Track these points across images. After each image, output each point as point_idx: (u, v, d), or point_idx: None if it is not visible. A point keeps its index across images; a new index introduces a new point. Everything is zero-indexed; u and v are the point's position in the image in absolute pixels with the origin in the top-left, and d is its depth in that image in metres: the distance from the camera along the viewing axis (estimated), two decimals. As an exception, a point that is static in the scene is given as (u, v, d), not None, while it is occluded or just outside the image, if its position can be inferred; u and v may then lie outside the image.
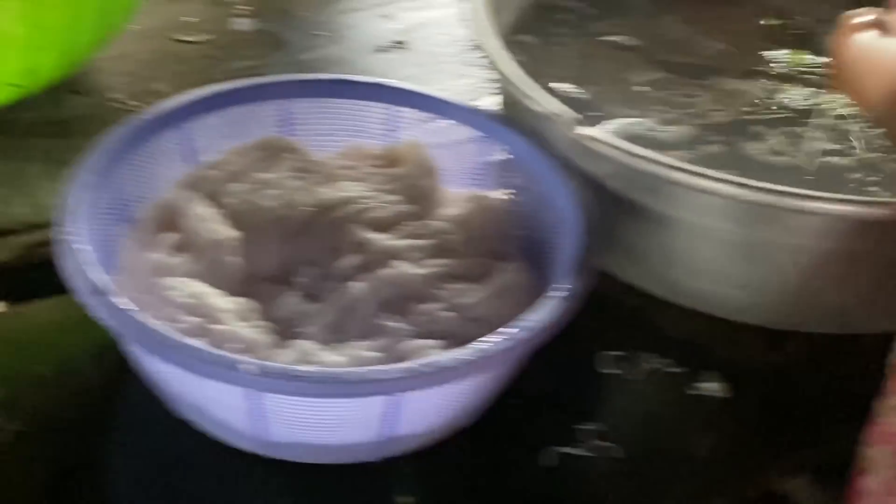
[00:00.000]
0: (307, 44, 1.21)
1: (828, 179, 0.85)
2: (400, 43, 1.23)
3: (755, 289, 0.83)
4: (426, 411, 0.70)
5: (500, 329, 0.77)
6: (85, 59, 1.04)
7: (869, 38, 0.71)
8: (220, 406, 0.68)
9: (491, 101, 1.12)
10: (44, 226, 0.92)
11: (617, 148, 0.77)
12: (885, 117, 0.68)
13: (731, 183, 0.75)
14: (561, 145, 0.82)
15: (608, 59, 1.02)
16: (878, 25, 0.72)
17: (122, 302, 0.67)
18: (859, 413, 0.82)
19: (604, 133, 0.79)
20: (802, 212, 0.74)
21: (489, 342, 0.67)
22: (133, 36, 1.17)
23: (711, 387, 0.84)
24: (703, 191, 0.75)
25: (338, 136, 0.92)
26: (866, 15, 0.73)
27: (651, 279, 0.86)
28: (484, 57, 0.92)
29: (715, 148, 0.90)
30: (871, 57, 0.70)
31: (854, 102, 0.73)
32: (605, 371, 0.84)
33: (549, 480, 0.76)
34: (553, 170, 0.82)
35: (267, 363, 0.64)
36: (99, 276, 0.69)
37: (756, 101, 0.98)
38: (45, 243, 0.90)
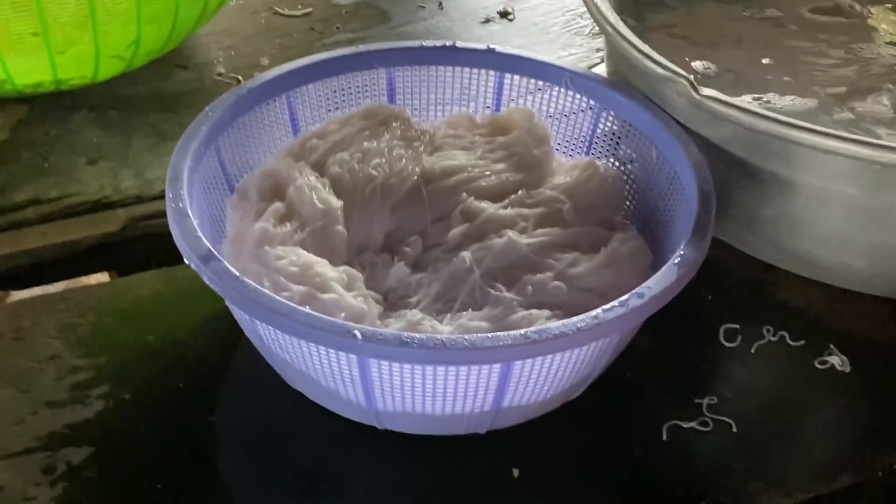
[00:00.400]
0: (410, 16, 1.20)
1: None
2: (505, 14, 1.20)
3: (880, 257, 0.78)
4: (538, 380, 0.68)
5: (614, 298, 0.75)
6: (188, 32, 1.04)
7: None
8: (330, 374, 0.67)
9: (598, 71, 1.11)
10: (149, 198, 0.94)
11: (740, 108, 0.74)
12: None
13: (857, 142, 0.71)
14: (678, 109, 0.79)
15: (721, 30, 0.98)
16: None
17: (232, 270, 0.66)
18: None
19: (724, 95, 0.75)
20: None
21: (603, 310, 0.64)
22: (235, 10, 1.17)
23: (833, 360, 0.80)
24: (828, 151, 0.71)
25: (443, 104, 0.90)
26: None
27: (771, 249, 0.82)
28: (595, 25, 0.89)
29: (841, 114, 0.86)
30: None
31: None
32: (723, 343, 0.81)
33: (662, 454, 0.74)
34: (670, 135, 0.79)
35: (380, 329, 0.62)
36: (207, 244, 0.68)
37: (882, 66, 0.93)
38: (151, 216, 0.92)
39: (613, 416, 0.76)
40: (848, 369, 0.80)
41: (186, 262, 0.68)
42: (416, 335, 0.62)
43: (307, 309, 0.65)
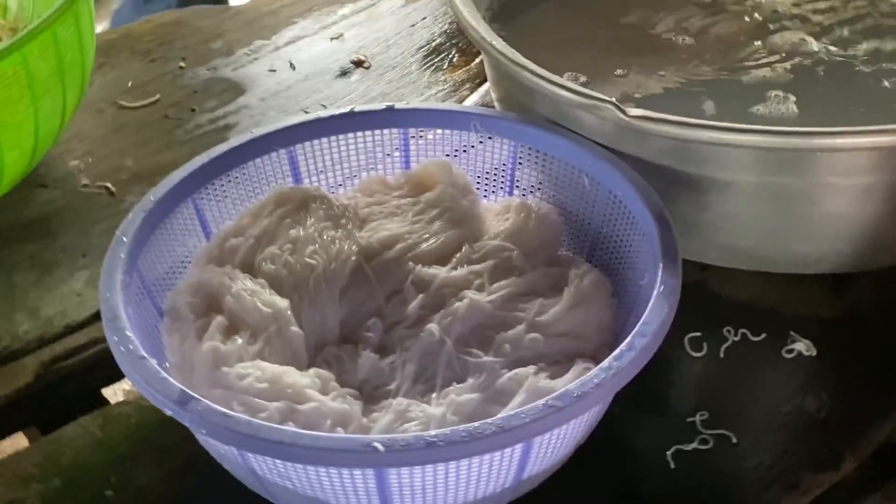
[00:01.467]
0: (265, 82, 1.14)
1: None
2: (360, 63, 1.17)
3: (821, 238, 0.80)
4: (559, 444, 0.65)
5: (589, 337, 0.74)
6: (48, 149, 0.96)
7: None
8: (342, 492, 0.62)
9: (474, 101, 1.09)
10: (53, 339, 0.85)
11: (672, 122, 0.73)
12: None
13: (790, 134, 0.72)
14: (602, 132, 0.78)
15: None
16: None
17: (217, 407, 0.60)
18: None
19: (650, 112, 0.74)
20: (833, 150, 0.72)
21: (615, 359, 0.62)
22: (80, 112, 1.09)
23: (798, 347, 0.81)
24: (769, 148, 0.72)
25: (350, 172, 0.86)
26: None
27: (712, 250, 0.82)
28: (485, 56, 0.87)
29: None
30: None
31: None
32: (692, 354, 0.81)
33: (672, 481, 0.72)
34: (600, 160, 0.77)
35: (399, 436, 0.58)
36: (178, 384, 0.62)
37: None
38: (63, 356, 0.84)
39: (616, 456, 0.74)
40: (814, 352, 0.81)
41: (160, 408, 0.62)
42: (440, 433, 0.58)
43: (310, 432, 0.60)
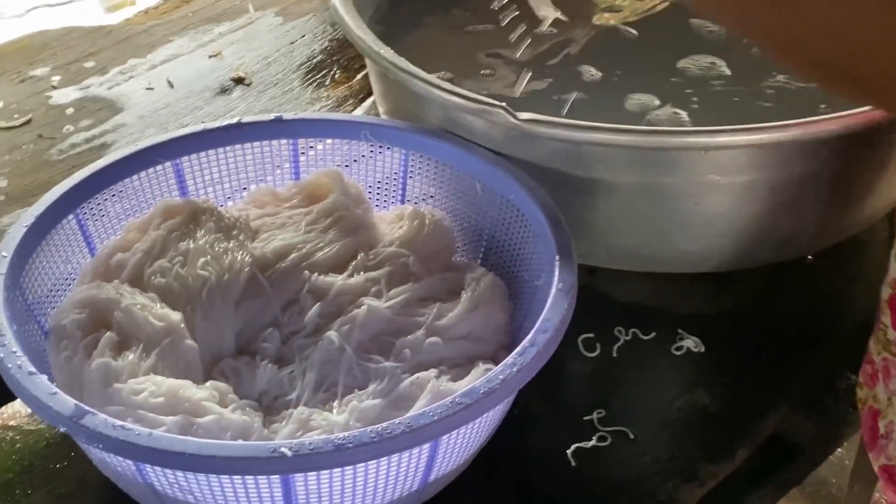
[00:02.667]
0: (142, 100, 1.12)
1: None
2: (240, 80, 1.15)
3: (707, 237, 0.82)
4: (464, 444, 0.65)
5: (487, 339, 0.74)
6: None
7: None
8: (246, 501, 0.60)
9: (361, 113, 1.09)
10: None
11: (562, 125, 0.75)
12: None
13: (679, 133, 0.74)
14: (492, 136, 0.79)
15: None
16: None
17: (113, 420, 0.58)
18: (819, 339, 0.84)
19: (540, 115, 0.75)
20: (713, 147, 0.74)
21: (518, 355, 0.63)
22: (-53, 133, 1.05)
23: (687, 344, 0.83)
24: (659, 148, 0.74)
25: (238, 184, 0.85)
26: None
27: (601, 252, 0.84)
28: (373, 65, 0.87)
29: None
30: None
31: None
32: (585, 354, 0.82)
33: (573, 479, 0.73)
34: (491, 166, 0.78)
35: (306, 440, 0.57)
36: (71, 399, 0.59)
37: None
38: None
39: (517, 457, 0.74)
40: (702, 349, 0.83)
41: (54, 425, 0.59)
42: (348, 435, 0.57)
43: (213, 441, 0.58)
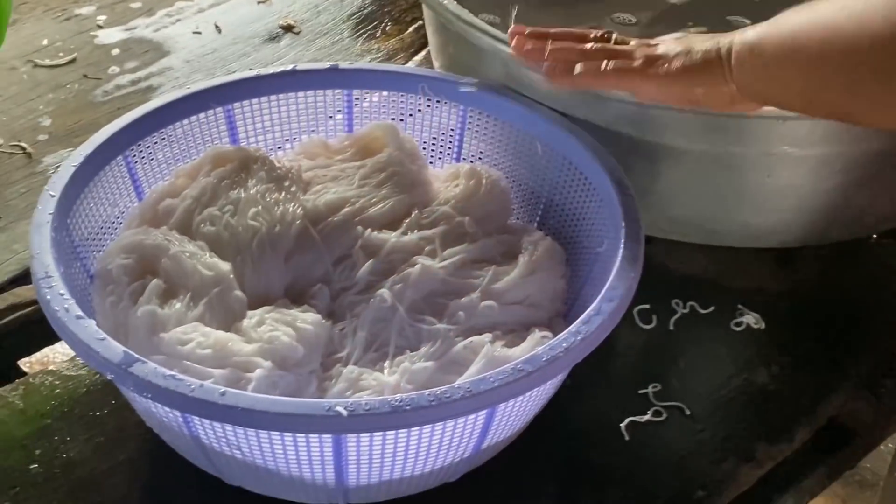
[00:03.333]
0: (189, 44, 1.09)
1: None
2: (289, 28, 1.12)
3: (773, 211, 0.79)
4: (520, 413, 0.63)
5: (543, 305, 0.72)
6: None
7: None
8: (295, 460, 0.58)
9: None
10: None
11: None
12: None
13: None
14: (556, 97, 0.76)
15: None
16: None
17: (163, 369, 0.56)
18: (881, 321, 0.81)
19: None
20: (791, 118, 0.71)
21: (582, 323, 0.60)
22: (-9, 70, 1.02)
23: (747, 320, 0.80)
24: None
25: (290, 134, 0.82)
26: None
27: (663, 221, 0.81)
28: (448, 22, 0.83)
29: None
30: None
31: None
32: (641, 326, 0.79)
33: (627, 453, 0.71)
34: (554, 126, 0.75)
35: (363, 400, 0.54)
36: (120, 345, 0.57)
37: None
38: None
39: (570, 429, 0.72)
40: (763, 326, 0.80)
41: (101, 372, 0.57)
42: (405, 397, 0.55)
43: (265, 395, 0.56)
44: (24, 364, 0.80)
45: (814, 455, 0.74)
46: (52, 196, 0.67)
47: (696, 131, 0.74)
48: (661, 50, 0.70)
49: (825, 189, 0.77)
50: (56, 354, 0.86)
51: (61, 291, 0.60)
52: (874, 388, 0.79)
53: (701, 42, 0.68)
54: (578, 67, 0.71)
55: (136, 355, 0.57)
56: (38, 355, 0.83)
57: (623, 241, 0.66)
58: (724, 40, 0.67)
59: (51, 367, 0.75)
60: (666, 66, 0.69)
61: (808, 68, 0.62)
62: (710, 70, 0.67)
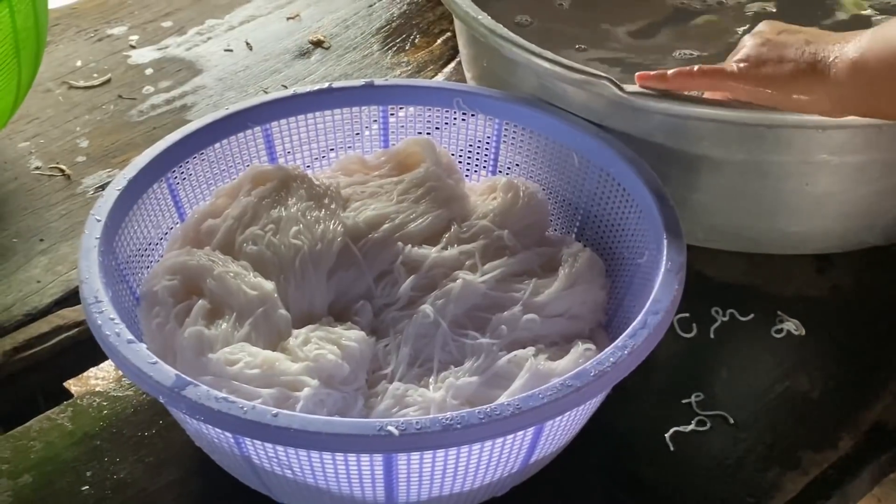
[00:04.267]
0: (221, 62, 1.10)
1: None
2: (319, 43, 1.13)
3: (812, 218, 0.79)
4: (567, 427, 0.63)
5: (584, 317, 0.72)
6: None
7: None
8: (346, 479, 0.59)
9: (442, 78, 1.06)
10: (13, 327, 0.81)
11: (672, 98, 0.72)
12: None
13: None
14: (594, 109, 0.76)
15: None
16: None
17: (215, 392, 0.57)
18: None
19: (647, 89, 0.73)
20: (828, 126, 0.72)
21: (628, 337, 0.60)
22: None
23: (787, 327, 0.80)
24: (771, 126, 0.71)
25: (327, 151, 0.83)
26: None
27: (699, 231, 0.81)
28: (478, 34, 0.83)
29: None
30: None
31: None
32: (682, 335, 0.79)
33: (672, 464, 0.71)
34: (591, 137, 0.76)
35: (411, 419, 0.55)
36: (171, 368, 0.58)
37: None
38: (24, 347, 0.79)
39: (614, 440, 0.72)
40: (803, 332, 0.80)
41: (154, 395, 0.58)
42: (455, 415, 0.55)
43: (316, 416, 0.57)
44: (69, 384, 0.81)
45: (858, 460, 0.74)
46: (99, 221, 0.68)
47: (733, 140, 0.74)
48: (745, 54, 0.71)
49: (863, 196, 0.77)
50: (101, 372, 0.88)
51: (112, 316, 0.61)
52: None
53: (789, 48, 0.69)
54: (671, 72, 0.72)
55: (188, 378, 0.57)
56: (82, 376, 0.84)
57: (665, 252, 0.66)
58: (818, 51, 0.68)
59: (98, 389, 0.76)
60: (757, 70, 0.70)
61: None
62: (804, 80, 0.68)
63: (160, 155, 0.74)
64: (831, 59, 0.67)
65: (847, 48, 0.67)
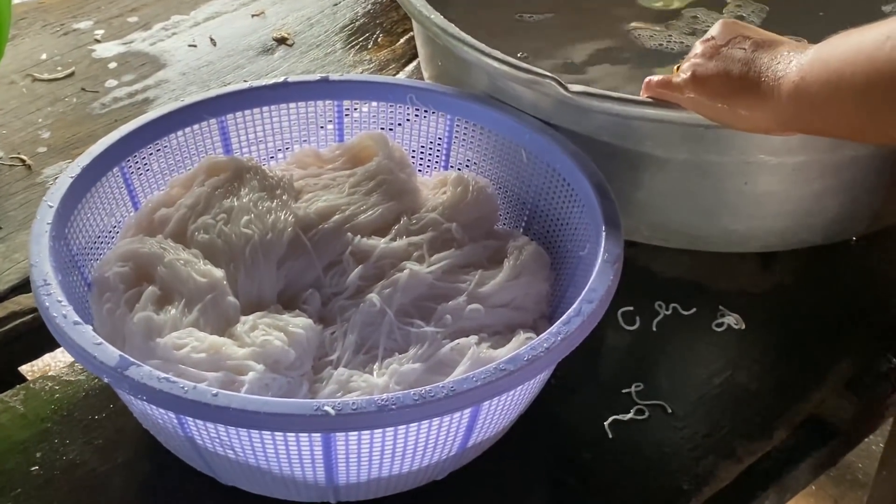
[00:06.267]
0: (185, 56, 1.12)
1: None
2: (283, 40, 1.15)
3: (756, 217, 0.81)
4: (504, 411, 0.65)
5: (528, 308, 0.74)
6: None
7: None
8: (286, 460, 0.61)
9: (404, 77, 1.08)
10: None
11: (613, 98, 0.74)
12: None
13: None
14: (542, 108, 0.78)
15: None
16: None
17: (157, 372, 0.58)
18: (860, 321, 0.83)
19: (591, 88, 0.75)
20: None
21: (563, 324, 0.62)
22: (-11, 84, 1.05)
23: (728, 321, 0.83)
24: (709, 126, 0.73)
25: (282, 144, 0.84)
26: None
27: (644, 228, 0.83)
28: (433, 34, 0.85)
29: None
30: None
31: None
32: (625, 327, 0.81)
33: (610, 451, 0.73)
34: (539, 134, 0.78)
35: (350, 399, 0.56)
36: (115, 349, 0.60)
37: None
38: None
39: (555, 427, 0.74)
40: (743, 326, 0.82)
41: (99, 375, 0.60)
42: (391, 396, 0.57)
43: (257, 396, 0.58)
44: (25, 371, 0.82)
45: (795, 452, 0.76)
46: (51, 207, 0.70)
47: (674, 140, 0.76)
48: (692, 65, 0.71)
49: (801, 196, 0.79)
50: (56, 362, 0.89)
51: (59, 298, 0.63)
52: (854, 387, 0.81)
53: (735, 62, 0.69)
54: (648, 79, 0.74)
55: (132, 359, 0.59)
56: (38, 363, 0.86)
57: (603, 244, 0.68)
58: (762, 70, 0.68)
59: (50, 373, 0.77)
60: (702, 84, 0.70)
61: (855, 103, 0.62)
62: (749, 98, 0.68)
63: (115, 144, 0.76)
64: (775, 79, 0.67)
65: (790, 69, 0.66)
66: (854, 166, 0.78)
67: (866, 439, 0.91)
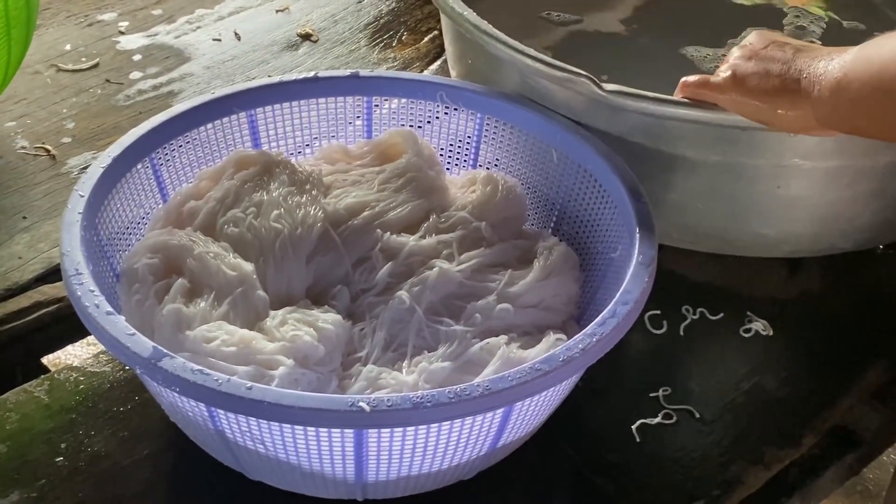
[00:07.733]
0: (209, 50, 1.11)
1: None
2: (307, 36, 1.14)
3: (788, 222, 0.80)
4: (535, 411, 0.64)
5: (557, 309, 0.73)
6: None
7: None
8: (317, 456, 0.60)
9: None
10: (-5, 300, 0.81)
11: (647, 98, 0.73)
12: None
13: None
14: (574, 107, 0.78)
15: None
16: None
17: (191, 364, 0.58)
18: (889, 330, 0.83)
19: (626, 87, 0.74)
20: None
21: (597, 325, 0.62)
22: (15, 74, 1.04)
23: (755, 327, 0.82)
24: (746, 128, 0.72)
25: (310, 139, 0.84)
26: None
27: (674, 231, 0.82)
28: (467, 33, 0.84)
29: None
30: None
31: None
32: (652, 332, 0.81)
33: (637, 454, 0.72)
34: (571, 134, 0.77)
35: (385, 396, 0.56)
36: (149, 340, 0.59)
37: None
38: (4, 321, 0.80)
39: (582, 429, 0.74)
40: (771, 332, 0.82)
41: (130, 366, 0.59)
42: (426, 394, 0.57)
43: (288, 391, 0.58)
44: (47, 361, 0.82)
45: (820, 460, 0.76)
46: (82, 196, 0.69)
47: (708, 142, 0.75)
48: (731, 65, 0.71)
49: (833, 200, 0.78)
50: (76, 351, 0.88)
51: (91, 288, 0.62)
52: (880, 395, 0.80)
53: (775, 62, 0.69)
54: (684, 79, 0.74)
55: (165, 350, 0.59)
56: (59, 353, 0.85)
57: (637, 246, 0.68)
58: (803, 68, 0.68)
59: (75, 364, 0.77)
60: (742, 83, 0.70)
61: None
62: (789, 96, 0.68)
63: (145, 135, 0.75)
64: (816, 77, 0.67)
65: (831, 66, 0.66)
66: (888, 173, 0.78)
67: (878, 450, 0.91)
